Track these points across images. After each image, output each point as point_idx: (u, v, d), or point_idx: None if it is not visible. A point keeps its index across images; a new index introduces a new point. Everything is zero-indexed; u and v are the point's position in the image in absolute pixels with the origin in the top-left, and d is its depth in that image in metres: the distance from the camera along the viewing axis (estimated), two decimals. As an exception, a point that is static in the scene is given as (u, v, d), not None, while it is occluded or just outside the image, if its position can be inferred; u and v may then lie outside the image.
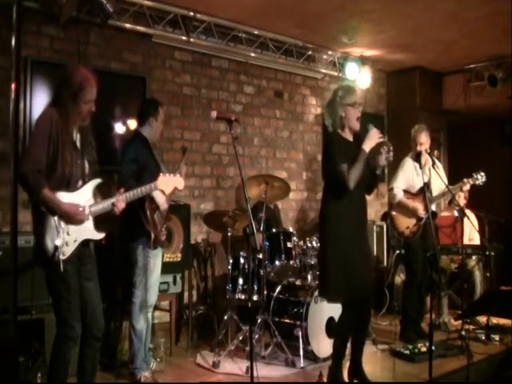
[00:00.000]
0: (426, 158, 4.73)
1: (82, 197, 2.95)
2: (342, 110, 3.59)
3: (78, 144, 3.01)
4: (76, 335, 2.92)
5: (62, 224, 2.85)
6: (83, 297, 2.98)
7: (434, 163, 4.49)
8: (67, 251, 2.85)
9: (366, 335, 3.88)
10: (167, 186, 3.35)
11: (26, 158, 2.81)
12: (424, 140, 4.96)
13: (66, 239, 2.85)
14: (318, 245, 4.83)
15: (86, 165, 3.03)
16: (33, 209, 2.88)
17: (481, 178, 4.96)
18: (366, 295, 3.60)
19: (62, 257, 2.82)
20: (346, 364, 3.79)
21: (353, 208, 3.57)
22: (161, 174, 3.34)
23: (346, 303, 3.66)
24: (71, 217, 2.85)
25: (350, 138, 3.68)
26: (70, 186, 2.91)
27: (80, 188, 2.96)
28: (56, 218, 2.83)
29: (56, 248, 2.80)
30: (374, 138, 3.51)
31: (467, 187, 5.01)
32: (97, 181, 3.02)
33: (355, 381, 3.74)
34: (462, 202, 5.70)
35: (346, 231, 3.51)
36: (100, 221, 3.04)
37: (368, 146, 3.49)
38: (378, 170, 3.63)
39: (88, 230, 2.96)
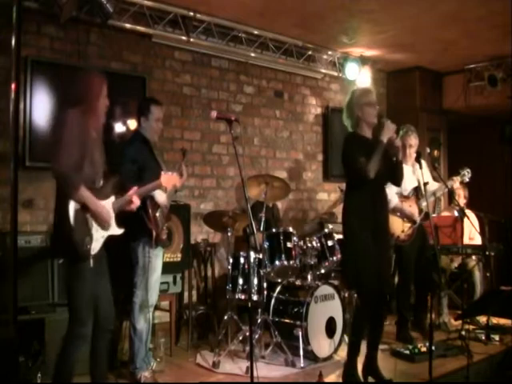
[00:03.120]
0: (412, 160, 4.83)
1: (105, 194, 3.04)
2: (359, 109, 3.73)
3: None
4: (87, 333, 2.96)
5: (93, 221, 2.93)
6: (96, 291, 3.02)
7: (434, 165, 4.51)
8: (96, 247, 2.94)
9: (381, 332, 3.91)
10: (168, 183, 3.57)
11: (62, 157, 2.82)
12: (413, 142, 4.94)
13: (95, 236, 2.93)
14: (318, 244, 4.88)
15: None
16: (61, 206, 2.87)
17: (467, 174, 5.01)
18: (382, 291, 3.69)
19: (92, 252, 2.90)
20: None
21: (371, 205, 3.65)
22: (162, 172, 3.52)
23: (362, 297, 3.75)
24: (102, 217, 2.95)
25: (369, 135, 3.81)
26: (95, 185, 3.00)
27: (102, 186, 3.06)
28: (89, 215, 2.89)
29: (87, 244, 2.87)
30: (390, 129, 3.65)
31: (457, 185, 5.04)
32: (114, 179, 3.13)
33: (370, 378, 3.77)
34: (462, 201, 5.69)
35: (362, 226, 3.62)
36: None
37: (385, 137, 3.62)
38: (397, 155, 3.75)
39: (112, 226, 3.06)
